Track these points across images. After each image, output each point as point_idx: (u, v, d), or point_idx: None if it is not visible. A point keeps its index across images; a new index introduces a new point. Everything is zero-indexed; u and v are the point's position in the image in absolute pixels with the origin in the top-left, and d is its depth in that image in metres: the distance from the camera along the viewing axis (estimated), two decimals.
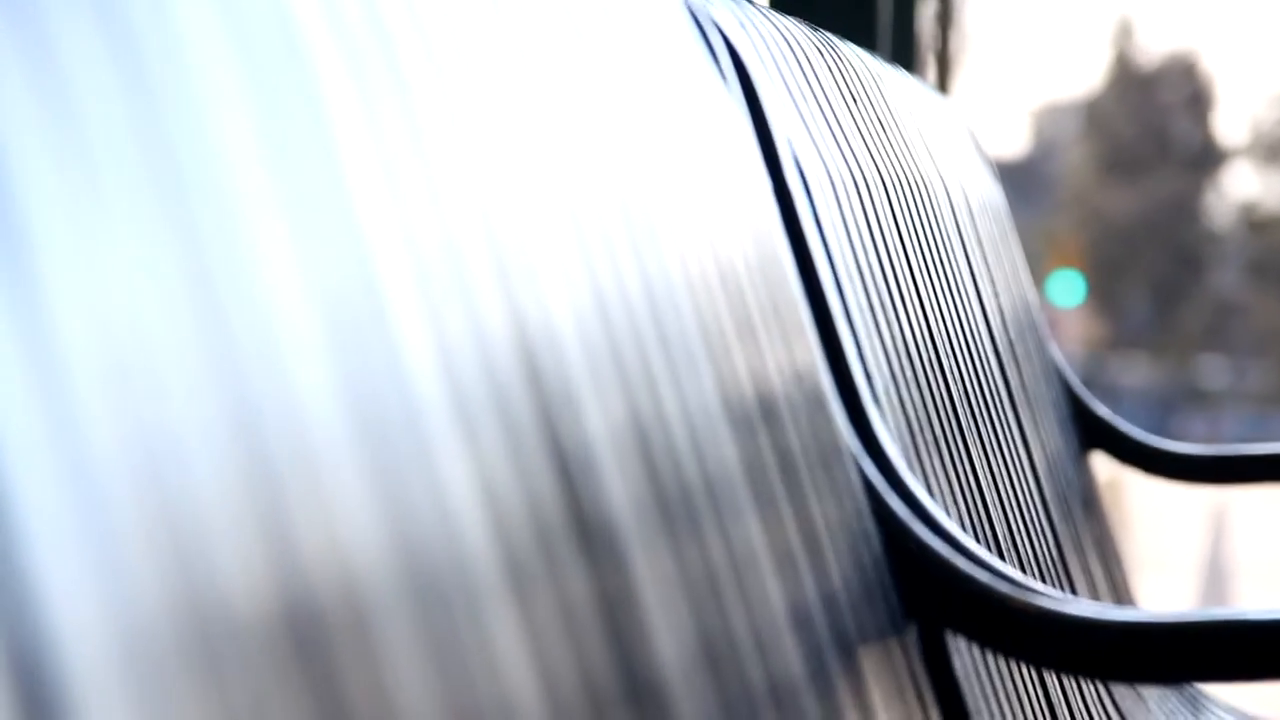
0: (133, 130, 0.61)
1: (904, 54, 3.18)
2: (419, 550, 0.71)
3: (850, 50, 2.03)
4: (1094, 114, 38.53)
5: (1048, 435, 2.35)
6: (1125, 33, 38.37)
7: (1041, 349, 2.58)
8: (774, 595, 1.09)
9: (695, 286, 1.16)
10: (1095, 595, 2.27)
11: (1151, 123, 37.46)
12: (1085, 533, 2.39)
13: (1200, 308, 37.12)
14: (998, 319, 2.26)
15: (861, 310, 1.55)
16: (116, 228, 0.59)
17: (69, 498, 0.51)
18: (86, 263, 0.56)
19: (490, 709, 0.72)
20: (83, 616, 0.50)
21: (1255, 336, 37.18)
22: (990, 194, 2.60)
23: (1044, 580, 1.94)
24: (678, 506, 0.99)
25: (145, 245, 0.60)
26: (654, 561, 0.94)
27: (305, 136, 0.73)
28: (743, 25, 1.57)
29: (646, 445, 0.98)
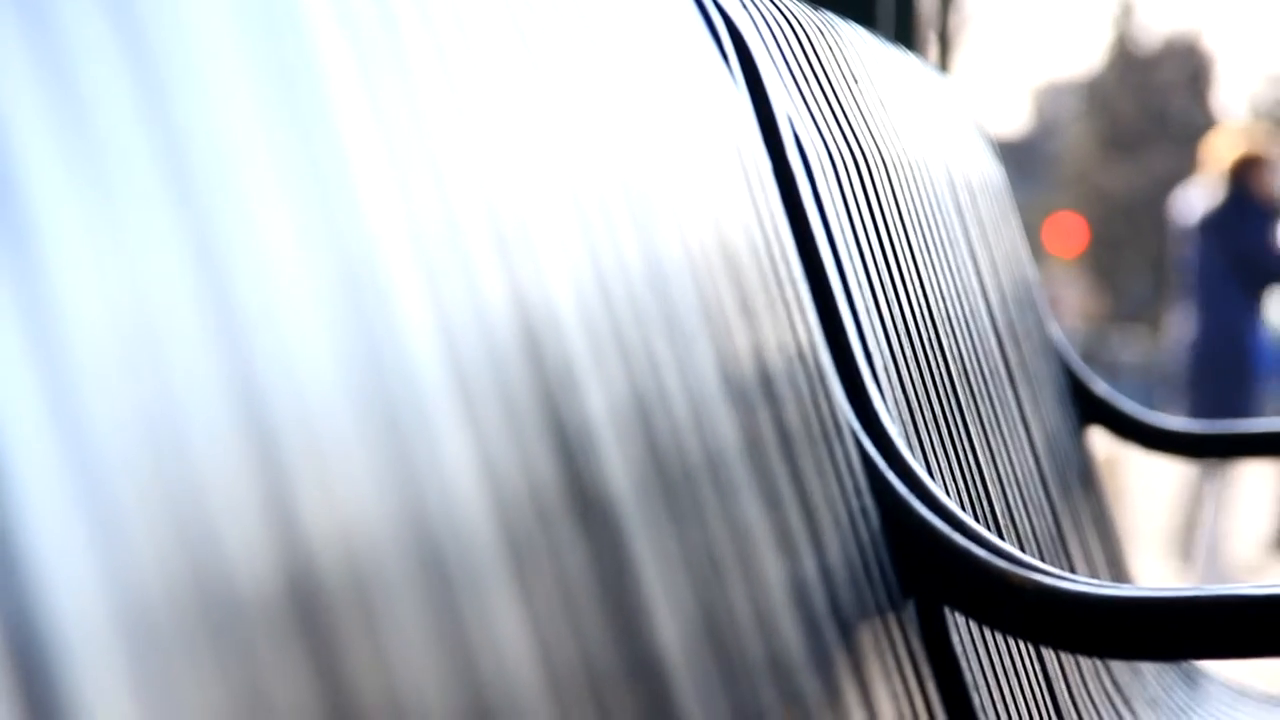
0: (138, 113, 0.62)
1: (905, 33, 3.18)
2: (421, 526, 0.71)
3: (851, 30, 2.03)
4: (1095, 93, 38.49)
5: (1047, 413, 2.35)
6: (1126, 13, 38.38)
7: (1040, 327, 2.58)
8: (773, 572, 1.09)
9: (696, 264, 1.16)
10: (1093, 572, 2.27)
11: (1152, 102, 37.41)
12: (1083, 510, 2.39)
13: None
14: (997, 297, 2.26)
15: (861, 289, 1.56)
16: (121, 208, 0.59)
17: (69, 474, 0.52)
18: (90, 242, 0.57)
19: (491, 684, 0.72)
20: (82, 593, 0.50)
21: None
22: (990, 173, 2.60)
23: (1043, 557, 1.94)
24: (678, 484, 0.99)
25: (149, 224, 0.60)
26: (654, 538, 0.93)
27: (309, 116, 0.73)
28: (744, 5, 1.57)
29: (647, 422, 0.98)
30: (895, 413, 1.51)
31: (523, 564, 0.79)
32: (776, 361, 1.26)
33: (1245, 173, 7.26)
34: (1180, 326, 7.53)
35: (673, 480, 0.99)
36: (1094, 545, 2.36)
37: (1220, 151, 7.39)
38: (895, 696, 1.26)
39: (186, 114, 0.64)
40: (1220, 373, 7.29)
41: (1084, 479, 2.50)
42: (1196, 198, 7.48)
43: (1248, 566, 8.12)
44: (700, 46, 1.40)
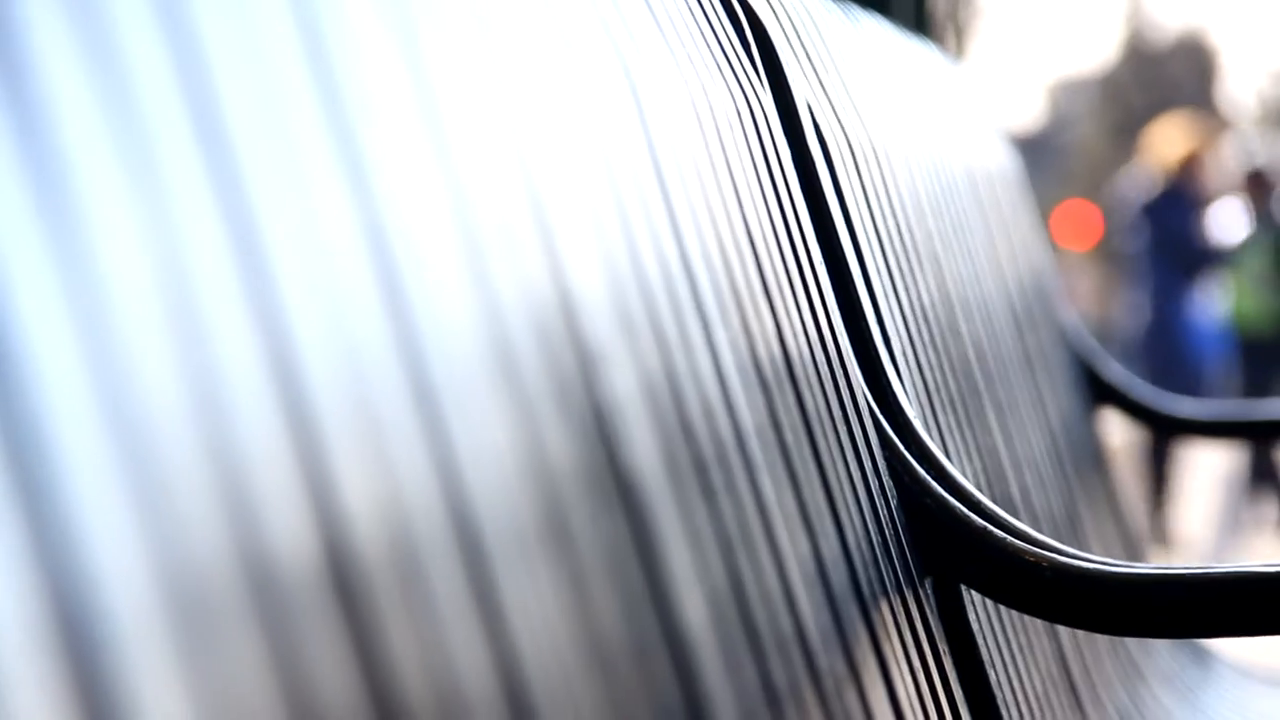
0: (180, 78, 0.62)
1: (921, 25, 3.19)
2: (456, 501, 0.72)
3: (869, 20, 2.04)
4: (1108, 89, 38.52)
5: (1060, 395, 2.35)
6: (1137, 10, 38.53)
7: (1053, 312, 2.59)
8: (794, 550, 1.09)
9: (723, 248, 1.17)
10: (1107, 551, 2.28)
11: (1162, 97, 37.43)
12: (1097, 489, 2.40)
13: None
14: (1013, 282, 2.27)
15: (880, 274, 1.57)
16: (164, 175, 0.59)
17: (114, 448, 0.52)
18: (134, 209, 0.57)
19: (522, 656, 0.73)
20: (128, 566, 0.51)
21: None
22: (1005, 162, 2.61)
23: (1058, 536, 1.94)
24: (702, 462, 1.00)
25: (193, 191, 0.60)
26: (680, 515, 0.94)
27: (347, 92, 0.74)
28: None
29: (673, 402, 0.99)
30: (913, 396, 1.52)
31: (553, 539, 0.79)
32: (797, 345, 1.26)
33: (1184, 166, 7.55)
34: (1128, 311, 7.72)
35: (697, 459, 0.99)
36: (1108, 525, 2.37)
37: (1160, 142, 7.69)
38: (913, 673, 1.26)
39: (226, 88, 0.65)
40: (1163, 353, 7.46)
41: (1097, 459, 2.50)
42: (1137, 188, 7.74)
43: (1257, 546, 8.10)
44: (723, 36, 1.41)
